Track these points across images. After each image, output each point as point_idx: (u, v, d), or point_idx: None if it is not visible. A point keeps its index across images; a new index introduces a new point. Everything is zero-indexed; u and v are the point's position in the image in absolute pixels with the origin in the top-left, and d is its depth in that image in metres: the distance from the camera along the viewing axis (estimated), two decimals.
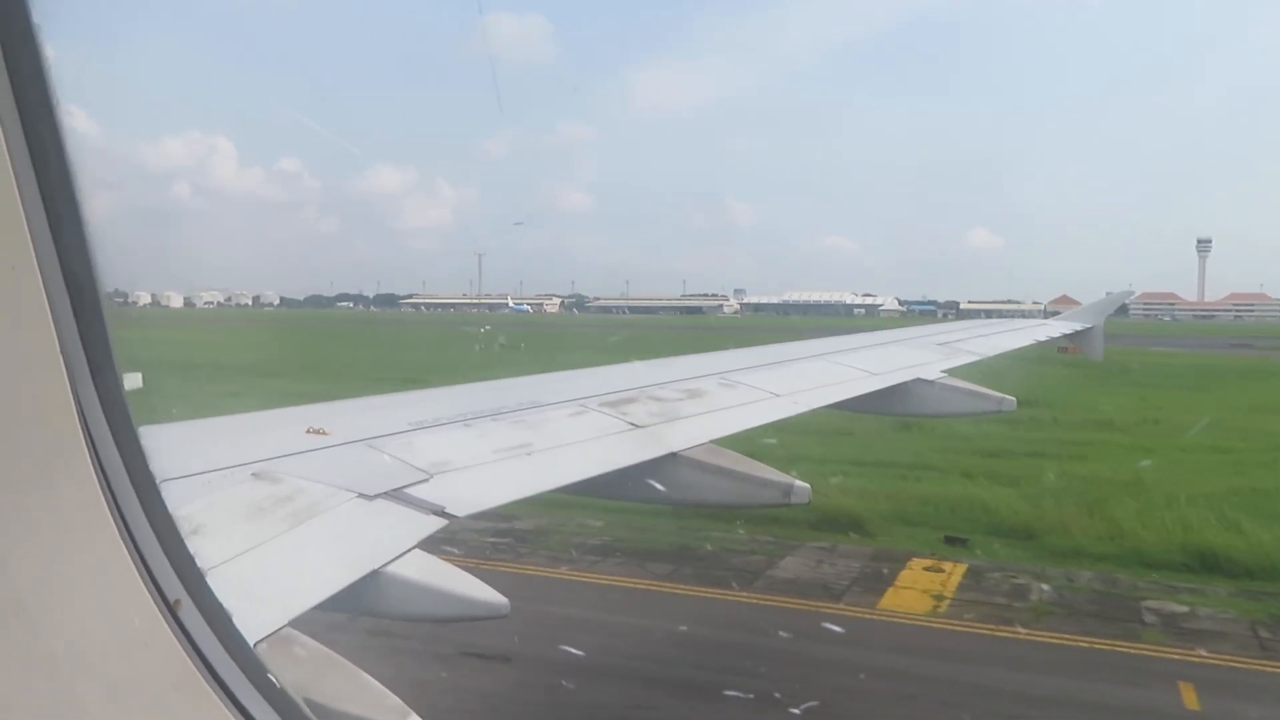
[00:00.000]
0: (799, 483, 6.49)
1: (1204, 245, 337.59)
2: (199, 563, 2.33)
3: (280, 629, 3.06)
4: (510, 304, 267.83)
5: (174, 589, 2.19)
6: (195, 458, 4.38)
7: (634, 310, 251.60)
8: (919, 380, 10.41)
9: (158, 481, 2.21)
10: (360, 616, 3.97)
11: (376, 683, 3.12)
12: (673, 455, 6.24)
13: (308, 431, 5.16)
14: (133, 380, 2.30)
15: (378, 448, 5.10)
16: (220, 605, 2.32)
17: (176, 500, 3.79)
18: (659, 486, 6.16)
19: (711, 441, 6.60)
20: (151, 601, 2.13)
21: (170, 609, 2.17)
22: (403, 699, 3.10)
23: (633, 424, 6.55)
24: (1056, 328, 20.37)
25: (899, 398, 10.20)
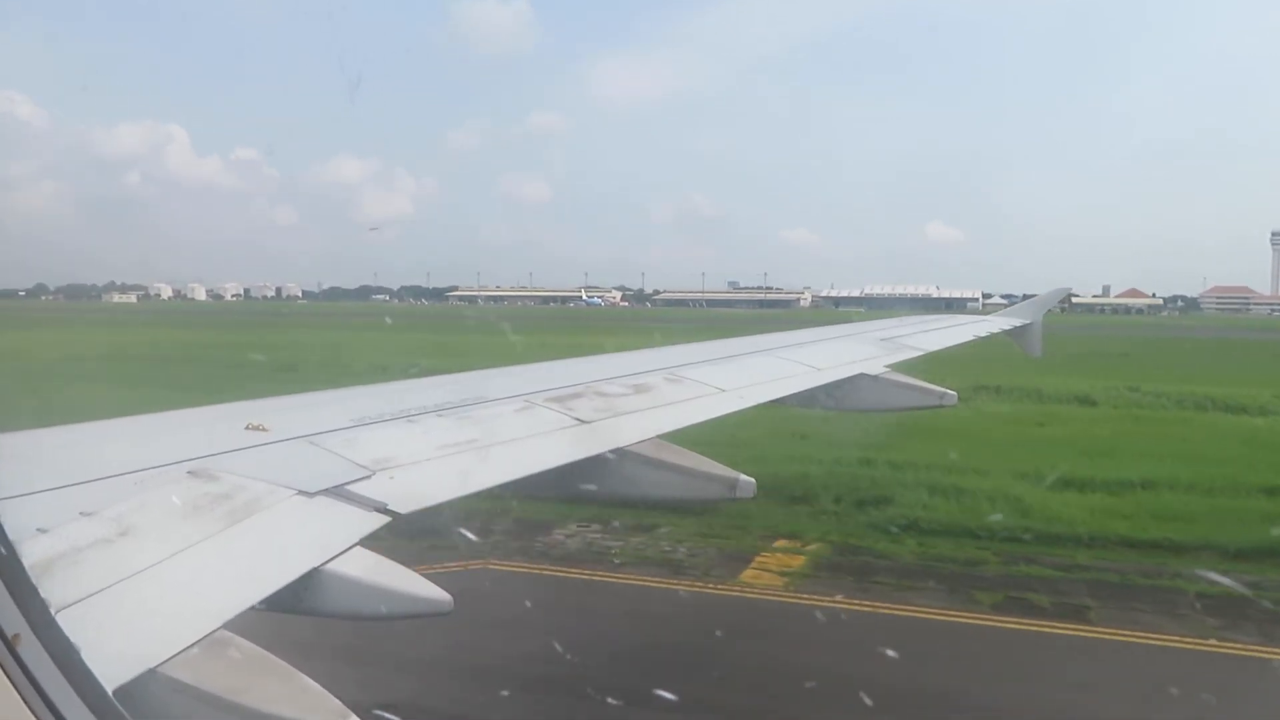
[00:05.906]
0: (744, 477, 6.55)
1: (1278, 238, 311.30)
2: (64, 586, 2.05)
3: (215, 631, 2.99)
4: (584, 297, 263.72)
5: (13, 622, 1.96)
6: (127, 455, 4.27)
7: (711, 304, 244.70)
8: (863, 375, 10.58)
9: None
10: (300, 616, 3.90)
11: (315, 684, 3.06)
12: (619, 450, 6.24)
13: (247, 428, 5.06)
14: None
15: (319, 444, 5.02)
16: (68, 639, 2.08)
17: (106, 500, 3.70)
18: (605, 482, 6.16)
19: (658, 437, 6.62)
20: None
21: (8, 645, 1.95)
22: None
23: (579, 419, 6.54)
24: (996, 324, 20.76)
25: (843, 393, 10.34)
